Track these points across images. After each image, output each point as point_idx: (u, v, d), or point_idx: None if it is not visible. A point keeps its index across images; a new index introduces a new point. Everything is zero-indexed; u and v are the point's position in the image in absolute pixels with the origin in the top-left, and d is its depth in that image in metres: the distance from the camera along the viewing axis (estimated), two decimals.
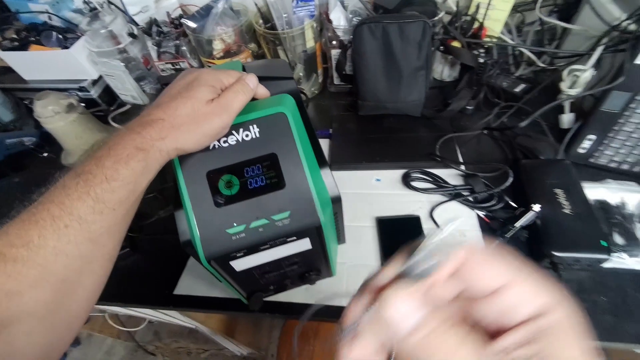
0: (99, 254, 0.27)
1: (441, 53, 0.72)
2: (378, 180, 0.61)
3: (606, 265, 0.45)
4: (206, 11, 0.72)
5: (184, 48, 0.77)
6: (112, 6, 0.75)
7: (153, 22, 0.77)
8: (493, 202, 0.53)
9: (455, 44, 0.66)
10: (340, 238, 0.52)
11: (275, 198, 0.34)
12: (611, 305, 0.44)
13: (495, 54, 0.71)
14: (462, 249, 0.15)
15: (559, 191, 0.50)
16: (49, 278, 0.24)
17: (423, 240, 0.17)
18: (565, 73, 0.61)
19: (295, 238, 0.36)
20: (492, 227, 0.52)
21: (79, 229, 0.25)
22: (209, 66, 0.75)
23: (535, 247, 0.48)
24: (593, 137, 0.56)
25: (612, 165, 0.56)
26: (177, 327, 1.21)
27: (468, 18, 0.68)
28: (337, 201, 0.37)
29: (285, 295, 0.49)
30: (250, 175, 0.34)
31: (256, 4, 0.71)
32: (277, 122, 0.35)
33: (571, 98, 0.60)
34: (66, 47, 0.76)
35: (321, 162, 0.37)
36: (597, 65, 0.59)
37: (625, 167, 0.55)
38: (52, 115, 0.65)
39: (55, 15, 0.80)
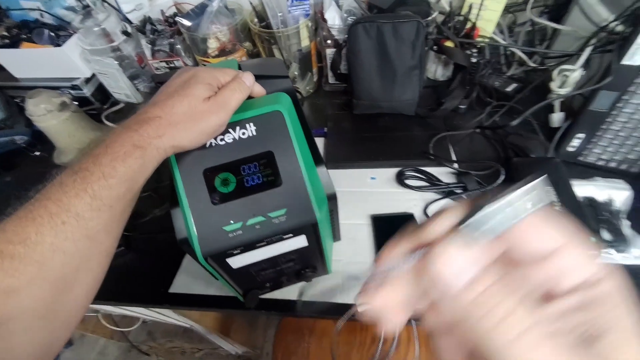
0: (96, 250, 0.27)
1: (435, 53, 0.73)
2: (373, 178, 0.62)
3: None
4: (201, 9, 0.71)
5: (179, 46, 0.77)
6: (105, 4, 0.75)
7: (147, 20, 0.76)
8: None
9: (449, 43, 0.67)
10: (336, 235, 0.52)
11: (271, 195, 0.35)
12: None
13: (488, 53, 0.72)
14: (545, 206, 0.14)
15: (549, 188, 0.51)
16: (47, 275, 0.24)
17: (490, 194, 0.14)
18: (555, 73, 0.62)
19: (291, 235, 0.37)
20: None
21: (77, 225, 0.25)
22: (204, 64, 0.75)
23: None
24: (582, 135, 0.57)
25: (600, 163, 0.58)
26: (171, 326, 1.20)
27: (461, 18, 0.68)
28: (332, 198, 0.38)
29: (281, 293, 0.50)
30: (247, 173, 0.35)
31: (251, 3, 0.71)
32: (274, 121, 0.35)
33: (561, 97, 0.61)
34: (58, 45, 0.75)
35: (317, 160, 0.38)
36: (586, 65, 0.60)
37: (612, 165, 0.57)
38: (44, 113, 0.64)
39: (47, 12, 0.79)
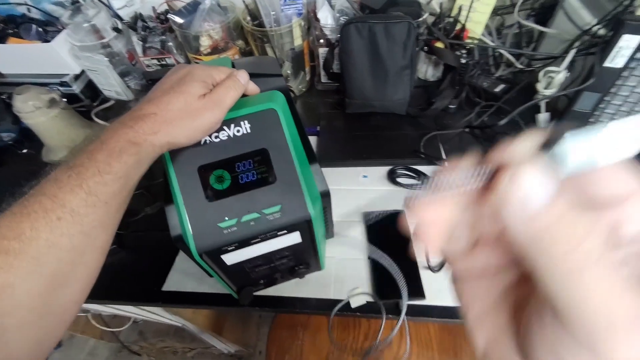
0: (91, 246, 0.27)
1: (425, 53, 0.74)
2: (365, 176, 0.63)
3: None
4: (193, 7, 0.71)
5: (170, 44, 0.77)
6: (96, 0, 0.74)
7: (138, 17, 0.75)
8: None
9: (439, 44, 0.69)
10: (329, 232, 0.53)
11: (266, 192, 0.35)
12: None
13: (477, 55, 0.74)
14: None
15: None
16: (42, 271, 0.24)
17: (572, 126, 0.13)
18: (541, 74, 0.64)
19: (285, 232, 0.37)
20: None
21: (72, 221, 0.25)
22: (196, 62, 0.75)
23: None
24: None
25: None
26: (163, 326, 1.19)
27: (451, 20, 0.70)
28: (326, 196, 0.38)
29: (275, 290, 0.50)
30: (242, 170, 0.35)
31: (244, 1, 0.72)
32: (268, 118, 0.36)
33: (546, 98, 0.63)
34: (47, 41, 0.74)
35: (311, 157, 0.38)
36: (571, 67, 0.62)
37: None
38: (32, 110, 0.63)
39: (34, 7, 0.78)
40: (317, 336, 0.74)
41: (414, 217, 0.15)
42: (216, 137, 0.35)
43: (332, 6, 0.72)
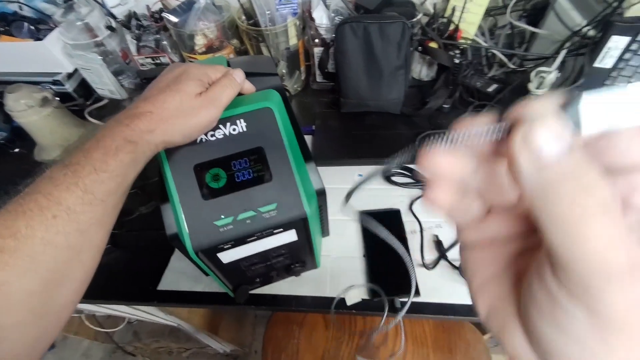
0: (88, 245, 0.27)
1: (419, 53, 0.75)
2: (360, 175, 0.63)
3: None
4: (188, 6, 0.71)
5: (165, 42, 0.76)
6: None
7: (132, 16, 0.75)
8: None
9: (433, 44, 0.69)
10: (325, 231, 0.53)
11: (262, 191, 0.35)
12: None
13: (470, 55, 0.75)
14: None
15: None
16: (38, 269, 0.24)
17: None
18: (533, 74, 0.65)
19: (281, 230, 0.37)
20: None
21: (68, 219, 0.25)
22: (191, 61, 0.75)
23: None
24: None
25: None
26: (157, 326, 1.19)
27: (444, 20, 0.71)
28: (321, 194, 0.39)
29: (271, 288, 0.50)
30: (238, 168, 0.35)
31: (239, 0, 0.71)
32: (264, 117, 0.36)
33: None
34: (39, 39, 0.73)
35: (306, 156, 0.38)
36: (561, 67, 0.63)
37: None
38: (25, 109, 0.63)
39: (26, 5, 0.77)
40: (313, 335, 0.74)
41: (427, 166, 0.15)
42: (212, 135, 0.35)
43: (327, 6, 0.72)
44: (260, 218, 0.35)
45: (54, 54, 0.74)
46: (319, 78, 0.80)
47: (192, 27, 0.69)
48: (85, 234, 0.26)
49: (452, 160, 0.14)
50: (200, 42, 0.72)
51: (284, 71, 0.76)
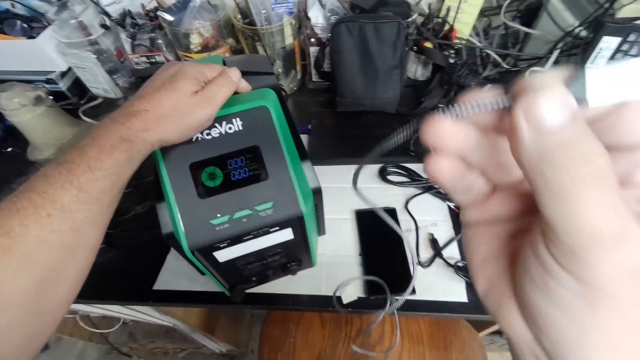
0: (82, 243, 0.27)
1: (414, 53, 0.75)
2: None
3: None
4: (183, 4, 0.71)
5: (160, 41, 0.76)
6: None
7: (127, 14, 0.75)
8: None
9: (428, 44, 0.70)
10: (321, 230, 0.54)
11: (258, 189, 0.35)
12: None
13: (465, 55, 0.75)
14: None
15: None
16: (32, 267, 0.24)
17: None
18: (526, 74, 0.66)
19: (278, 228, 0.37)
20: None
21: (62, 217, 0.25)
22: (186, 60, 0.74)
23: None
24: None
25: None
26: (153, 326, 1.18)
27: (439, 20, 0.71)
28: (317, 192, 0.39)
29: (267, 287, 0.50)
30: (234, 167, 0.35)
31: None
32: (260, 116, 0.36)
33: None
34: (32, 37, 0.72)
35: (302, 154, 0.38)
36: (555, 67, 0.64)
37: None
38: (18, 107, 0.62)
39: (19, 2, 0.76)
40: (310, 333, 0.74)
41: (431, 134, 0.15)
42: (208, 134, 0.35)
43: (322, 5, 0.72)
44: (257, 217, 0.35)
45: (47, 53, 0.73)
46: (314, 77, 0.80)
47: (188, 25, 0.69)
48: (80, 233, 0.26)
49: (455, 130, 0.15)
50: (195, 40, 0.72)
51: (279, 70, 0.76)
